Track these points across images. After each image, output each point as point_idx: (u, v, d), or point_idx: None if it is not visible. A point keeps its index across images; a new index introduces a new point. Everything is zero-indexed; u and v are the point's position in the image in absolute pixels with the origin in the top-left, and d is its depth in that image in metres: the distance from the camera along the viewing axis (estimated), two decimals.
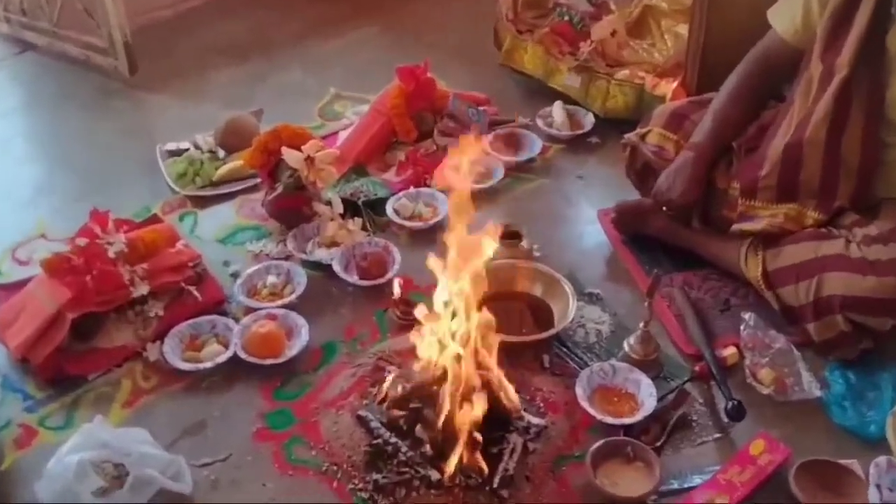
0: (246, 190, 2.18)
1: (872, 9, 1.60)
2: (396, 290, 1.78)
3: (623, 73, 2.33)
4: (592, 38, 2.38)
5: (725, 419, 1.57)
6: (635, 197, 2.01)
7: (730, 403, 1.56)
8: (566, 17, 2.48)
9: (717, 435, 1.56)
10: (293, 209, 2.01)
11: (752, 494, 1.43)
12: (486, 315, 1.41)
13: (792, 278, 1.65)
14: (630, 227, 1.98)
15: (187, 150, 2.28)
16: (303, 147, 1.94)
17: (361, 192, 2.12)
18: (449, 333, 1.40)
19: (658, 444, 1.52)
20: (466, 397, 1.39)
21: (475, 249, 1.35)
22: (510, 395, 1.49)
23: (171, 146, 2.30)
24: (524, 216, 2.02)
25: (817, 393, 1.60)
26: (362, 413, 1.54)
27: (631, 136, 1.95)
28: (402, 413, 1.50)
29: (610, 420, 1.55)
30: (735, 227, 1.75)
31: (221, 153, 2.27)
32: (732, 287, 1.84)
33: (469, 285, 1.37)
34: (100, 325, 1.72)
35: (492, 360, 1.46)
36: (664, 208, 1.87)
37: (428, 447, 1.45)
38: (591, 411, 1.56)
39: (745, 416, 1.55)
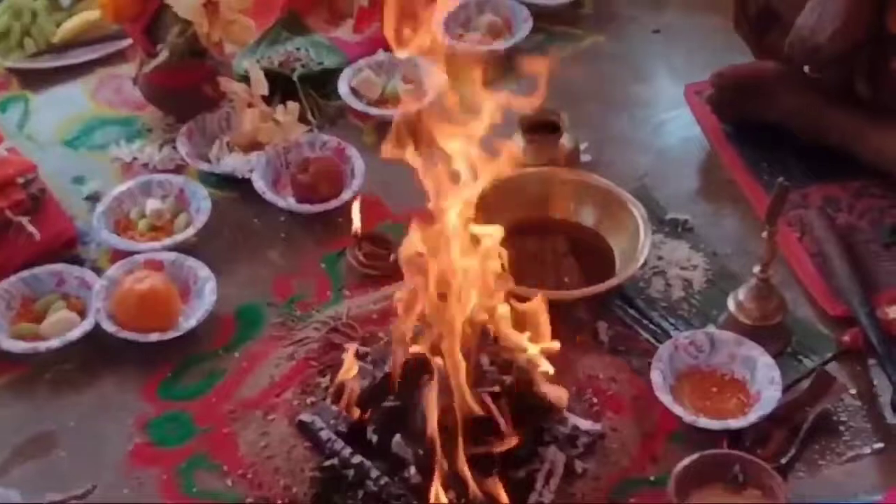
0: (108, 59, 2.21)
1: None
2: (357, 220, 1.78)
3: None
4: None
5: (893, 418, 1.59)
6: (748, 60, 2.01)
7: None
8: None
9: (879, 445, 1.58)
10: (186, 89, 2.02)
11: None
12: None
13: None
14: (739, 110, 2.00)
15: None
16: None
17: (298, 61, 2.14)
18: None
19: (784, 460, 1.54)
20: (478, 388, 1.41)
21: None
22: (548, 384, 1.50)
23: None
24: (566, 95, 2.00)
25: None
26: (306, 418, 1.56)
27: None
28: (369, 416, 1.52)
29: (706, 423, 1.56)
30: None
31: None
32: None
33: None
34: None
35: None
36: (806, 68, 1.85)
37: (412, 470, 1.46)
38: (676, 410, 1.57)
39: None
